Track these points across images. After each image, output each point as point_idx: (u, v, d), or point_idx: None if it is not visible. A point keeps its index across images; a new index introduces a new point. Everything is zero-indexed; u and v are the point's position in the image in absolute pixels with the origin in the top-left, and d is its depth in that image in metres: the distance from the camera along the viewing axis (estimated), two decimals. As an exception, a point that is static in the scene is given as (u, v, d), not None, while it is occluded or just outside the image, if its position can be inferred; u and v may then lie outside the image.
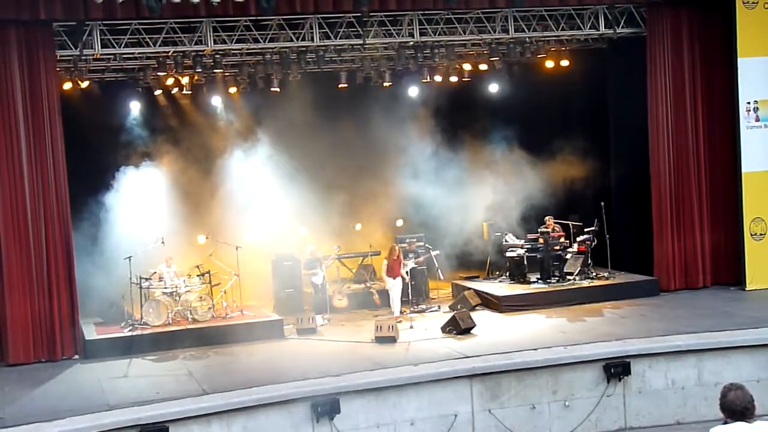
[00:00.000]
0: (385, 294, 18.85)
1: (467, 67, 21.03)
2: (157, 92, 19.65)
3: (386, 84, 20.84)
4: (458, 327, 16.35)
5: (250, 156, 19.37)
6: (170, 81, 19.21)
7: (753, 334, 15.21)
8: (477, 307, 18.44)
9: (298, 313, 18.10)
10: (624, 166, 20.50)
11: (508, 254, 20.10)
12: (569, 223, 20.03)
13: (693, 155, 19.33)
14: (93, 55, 17.00)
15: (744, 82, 18.76)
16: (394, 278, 17.85)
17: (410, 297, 18.35)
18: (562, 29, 19.27)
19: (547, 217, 19.89)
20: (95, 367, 15.55)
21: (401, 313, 17.90)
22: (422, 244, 19.86)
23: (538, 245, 19.59)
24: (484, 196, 20.59)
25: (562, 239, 19.60)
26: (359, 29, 18.03)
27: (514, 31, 18.89)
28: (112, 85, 19.73)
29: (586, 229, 19.74)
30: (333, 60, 19.97)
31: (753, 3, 18.66)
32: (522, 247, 19.83)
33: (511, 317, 17.81)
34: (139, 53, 17.68)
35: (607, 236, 19.47)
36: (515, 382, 14.23)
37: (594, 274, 19.54)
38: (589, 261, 19.62)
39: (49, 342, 16.17)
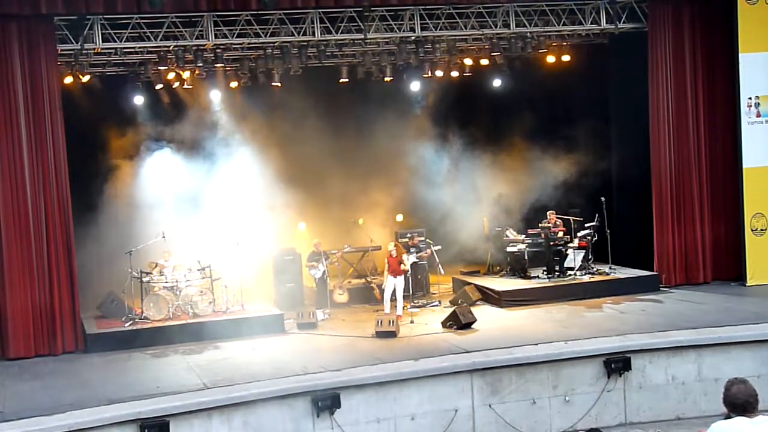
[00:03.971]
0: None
1: (468, 62, 21.04)
2: (158, 86, 19.63)
3: (387, 79, 20.81)
4: (459, 322, 16.36)
5: (251, 150, 19.35)
6: (171, 75, 19.19)
7: (753, 330, 15.21)
8: (477, 302, 18.44)
9: (298, 308, 18.12)
10: (625, 161, 20.49)
11: (508, 249, 20.11)
12: (570, 218, 20.02)
13: (694, 151, 19.32)
14: (94, 49, 17.01)
15: (745, 78, 18.76)
16: (395, 276, 17.61)
17: (411, 292, 18.35)
18: (564, 24, 19.27)
19: (549, 212, 19.88)
20: (96, 361, 15.58)
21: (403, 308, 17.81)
22: (423, 238, 19.86)
23: (539, 240, 19.61)
24: (485, 191, 20.60)
25: (561, 234, 19.58)
26: (360, 24, 18.04)
27: (515, 26, 18.88)
28: (113, 80, 19.73)
29: (586, 224, 19.74)
30: (334, 55, 19.96)
31: (755, -2, 18.67)
32: (522, 242, 19.84)
33: (512, 312, 17.80)
34: (140, 47, 17.74)
35: (608, 231, 19.46)
36: (516, 377, 14.24)
37: (595, 269, 19.54)
38: (590, 256, 19.63)
39: (49, 336, 16.18)
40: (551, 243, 19.44)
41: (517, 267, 19.92)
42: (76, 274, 16.53)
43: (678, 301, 17.94)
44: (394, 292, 17.51)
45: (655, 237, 19.36)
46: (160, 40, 17.20)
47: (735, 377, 5.86)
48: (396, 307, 17.50)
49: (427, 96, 22.03)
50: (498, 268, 20.68)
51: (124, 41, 17.09)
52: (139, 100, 19.83)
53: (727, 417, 5.79)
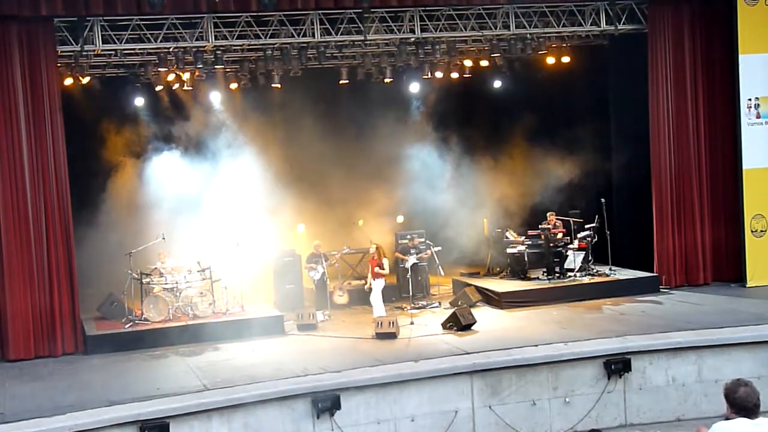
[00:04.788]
0: (386, 291, 18.83)
1: (468, 63, 21.03)
2: (158, 88, 19.63)
3: (387, 80, 20.81)
4: (459, 323, 16.35)
5: (250, 151, 19.35)
6: (171, 77, 19.19)
7: (753, 331, 15.20)
8: (477, 304, 18.44)
9: (298, 309, 18.11)
10: (625, 162, 20.49)
11: (508, 251, 20.10)
12: (570, 219, 20.01)
13: (694, 152, 19.33)
14: (94, 50, 17.01)
15: (745, 79, 18.76)
16: (374, 279, 17.60)
17: (411, 293, 18.34)
18: (563, 25, 19.28)
19: (549, 213, 19.88)
20: (96, 362, 15.57)
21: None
22: (423, 240, 19.85)
23: (539, 242, 19.60)
24: (485, 192, 20.59)
25: (560, 235, 19.57)
26: (360, 25, 18.04)
27: (515, 28, 18.90)
28: (113, 81, 19.73)
29: (586, 226, 19.73)
30: (334, 56, 19.96)
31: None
32: (522, 244, 19.83)
33: (512, 313, 17.80)
34: (140, 49, 17.75)
35: (608, 233, 19.45)
36: (516, 378, 14.23)
37: (594, 270, 19.53)
38: (590, 257, 19.62)
39: (49, 337, 16.18)
40: (551, 244, 19.44)
41: (517, 268, 19.92)
42: (75, 276, 16.52)
43: (678, 303, 17.94)
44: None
45: (655, 238, 19.36)
46: (160, 41, 17.20)
47: (737, 378, 5.85)
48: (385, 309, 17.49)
49: (426, 97, 22.04)
50: (498, 269, 20.68)
51: (124, 43, 17.10)
52: (139, 101, 19.84)
53: (727, 418, 5.78)
